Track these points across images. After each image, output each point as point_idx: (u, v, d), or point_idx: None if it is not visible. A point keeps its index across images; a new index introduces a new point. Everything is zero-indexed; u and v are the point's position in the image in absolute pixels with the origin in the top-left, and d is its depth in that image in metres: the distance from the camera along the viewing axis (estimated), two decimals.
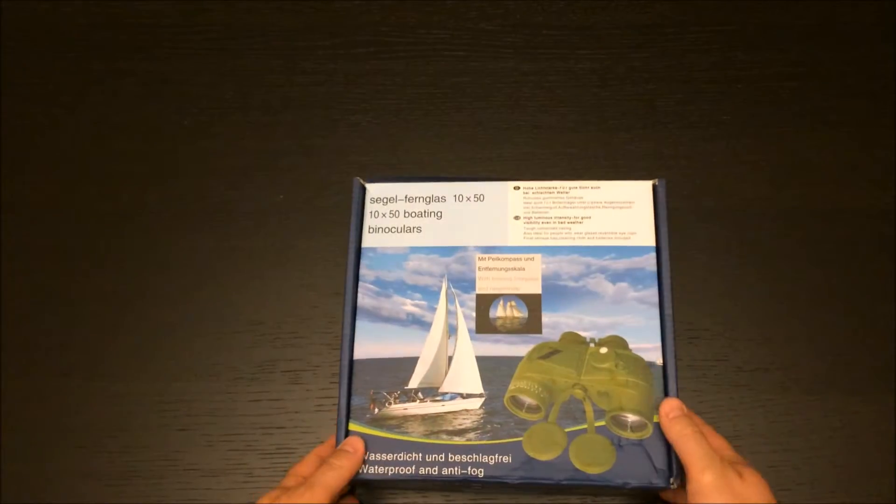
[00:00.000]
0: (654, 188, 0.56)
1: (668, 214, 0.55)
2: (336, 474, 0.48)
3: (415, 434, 0.51)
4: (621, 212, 0.56)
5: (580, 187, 0.56)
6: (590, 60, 0.70)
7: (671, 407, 0.49)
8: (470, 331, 0.53)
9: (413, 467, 0.50)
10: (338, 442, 0.51)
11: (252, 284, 0.64)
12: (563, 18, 0.72)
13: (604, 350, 0.52)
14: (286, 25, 0.72)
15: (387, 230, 0.56)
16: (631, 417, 0.51)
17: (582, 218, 0.56)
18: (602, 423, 0.51)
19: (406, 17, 0.72)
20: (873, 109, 0.68)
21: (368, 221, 0.56)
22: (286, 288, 0.63)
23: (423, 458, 0.50)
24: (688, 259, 0.63)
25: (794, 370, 0.60)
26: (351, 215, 0.56)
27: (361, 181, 0.57)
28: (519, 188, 0.57)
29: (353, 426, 0.52)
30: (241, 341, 0.62)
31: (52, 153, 0.68)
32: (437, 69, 0.70)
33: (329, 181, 0.66)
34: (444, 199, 0.57)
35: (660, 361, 0.52)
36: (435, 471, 0.50)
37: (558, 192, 0.56)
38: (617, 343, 0.52)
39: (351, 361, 0.53)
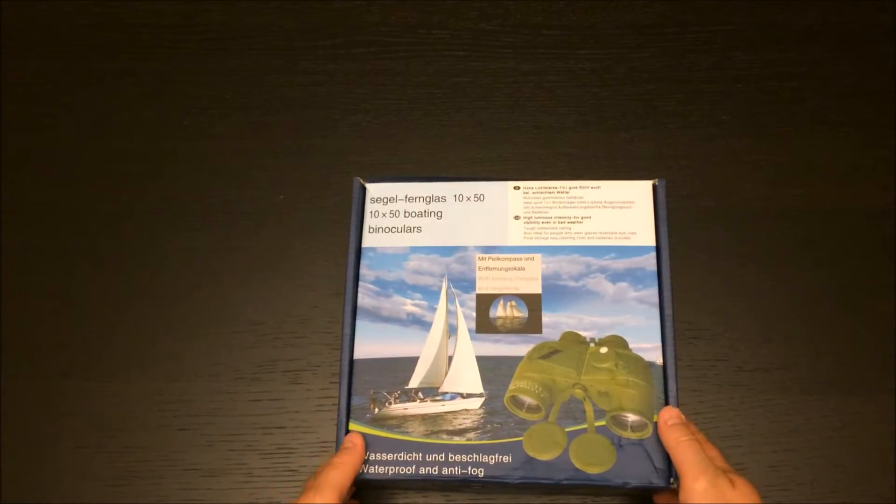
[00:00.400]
0: (654, 188, 0.56)
1: (667, 214, 0.55)
2: (340, 472, 0.48)
3: (415, 434, 0.51)
4: (621, 212, 0.56)
5: (580, 187, 0.56)
6: (590, 60, 0.70)
7: (670, 415, 0.50)
8: (470, 331, 0.53)
9: (413, 467, 0.50)
10: (338, 441, 0.51)
11: (252, 284, 0.64)
12: (563, 18, 0.72)
13: (604, 350, 0.52)
14: (286, 25, 0.72)
15: (387, 230, 0.56)
16: (631, 417, 0.51)
17: (582, 218, 0.56)
18: (602, 422, 0.51)
19: (406, 17, 0.72)
20: (873, 109, 0.68)
21: (368, 221, 0.56)
22: (286, 288, 0.63)
23: (424, 457, 0.50)
24: (688, 259, 0.63)
25: (794, 370, 0.60)
26: (351, 215, 0.56)
27: (361, 181, 0.57)
28: (519, 188, 0.57)
29: (353, 426, 0.51)
30: (241, 341, 0.62)
31: (52, 153, 0.68)
32: (437, 69, 0.70)
33: (329, 181, 0.66)
34: (444, 199, 0.57)
35: (660, 361, 0.52)
36: (435, 470, 0.50)
37: (558, 192, 0.56)
38: (617, 343, 0.52)
39: (351, 361, 0.53)
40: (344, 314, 0.54)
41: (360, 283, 0.55)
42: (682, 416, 0.50)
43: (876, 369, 0.60)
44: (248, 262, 0.64)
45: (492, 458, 0.50)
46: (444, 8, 0.72)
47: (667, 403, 0.51)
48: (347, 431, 0.51)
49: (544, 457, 0.50)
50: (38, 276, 0.64)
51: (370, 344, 0.53)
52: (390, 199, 0.57)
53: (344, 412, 0.52)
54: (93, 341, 0.62)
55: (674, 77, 0.70)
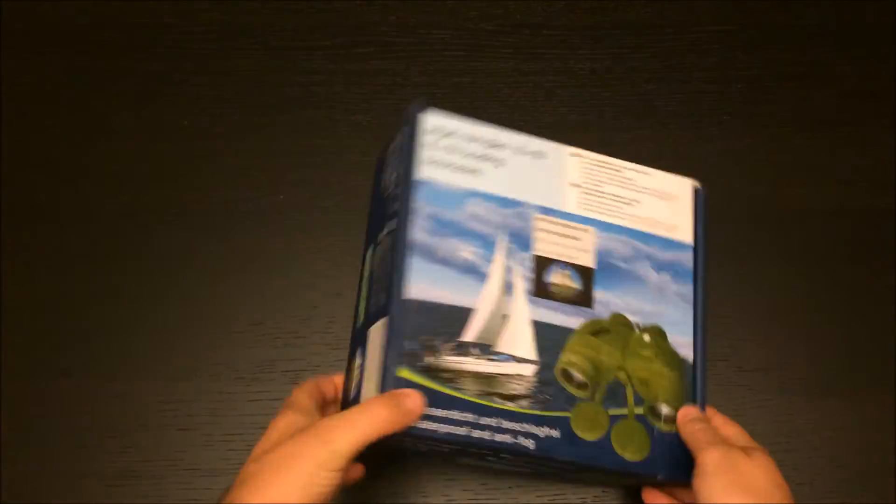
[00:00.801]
0: (696, 192, 0.56)
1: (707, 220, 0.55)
2: (367, 430, 0.41)
3: (468, 392, 0.46)
4: (667, 203, 0.55)
5: (633, 169, 0.55)
6: (590, 60, 0.70)
7: (688, 412, 0.50)
8: (527, 292, 0.49)
9: (467, 428, 0.45)
10: (383, 388, 0.44)
11: (252, 284, 0.64)
12: (563, 18, 0.72)
13: (647, 338, 0.51)
14: (286, 25, 0.72)
15: (443, 165, 0.50)
16: (665, 409, 0.50)
17: (633, 200, 0.54)
18: (641, 410, 0.50)
19: (406, 17, 0.72)
20: (873, 109, 0.68)
21: (424, 152, 0.50)
22: (286, 288, 0.63)
23: (477, 419, 0.46)
24: None
25: (794, 370, 0.60)
26: (405, 142, 0.50)
27: (420, 107, 0.51)
28: (577, 156, 0.54)
29: (403, 373, 0.45)
30: (241, 341, 0.62)
31: (52, 153, 0.68)
32: (437, 69, 0.70)
33: (329, 181, 0.66)
34: (504, 146, 0.52)
35: (690, 358, 0.52)
36: (487, 436, 0.46)
37: (612, 169, 0.54)
38: (658, 333, 0.52)
39: (403, 300, 0.46)
40: (396, 248, 0.47)
41: (414, 218, 0.48)
42: (700, 413, 0.50)
43: (876, 369, 0.60)
44: (248, 262, 0.64)
45: (542, 431, 0.47)
46: (444, 8, 0.72)
47: (694, 401, 0.51)
48: (396, 379, 0.44)
49: (589, 437, 0.48)
50: (38, 276, 0.64)
51: (423, 285, 0.47)
52: (449, 134, 0.51)
53: (394, 354, 0.45)
54: (93, 341, 0.62)
55: (674, 77, 0.70)
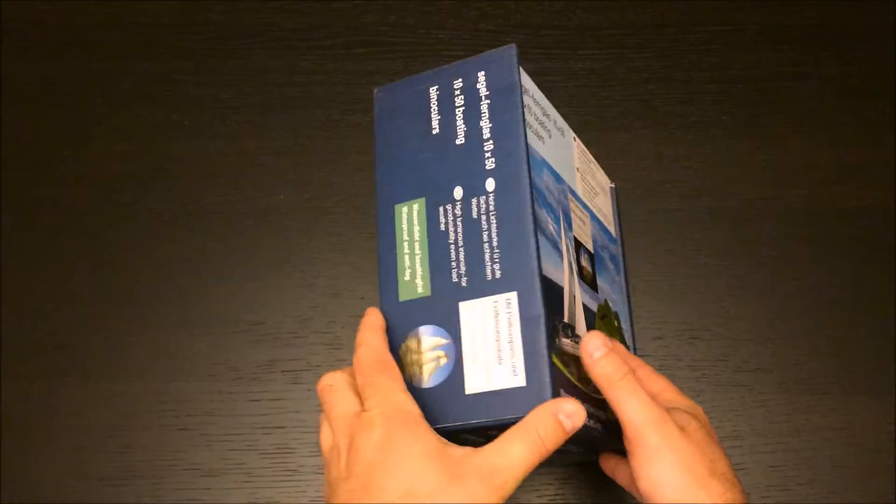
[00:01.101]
0: (612, 190, 0.59)
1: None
2: (532, 454, 0.35)
3: (575, 376, 0.42)
4: (605, 198, 0.58)
5: (593, 161, 0.57)
6: (590, 60, 0.70)
7: (595, 344, 0.40)
8: (577, 273, 0.46)
9: None
10: (541, 381, 0.38)
11: (252, 284, 0.64)
12: (563, 18, 0.72)
13: (616, 324, 0.53)
14: (286, 25, 0.72)
15: (528, 126, 0.44)
16: None
17: (596, 192, 0.56)
18: None
19: (406, 17, 0.72)
20: (873, 109, 0.68)
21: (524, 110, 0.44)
22: (286, 288, 0.63)
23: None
24: (688, 259, 0.63)
25: (794, 370, 0.60)
26: (503, 95, 0.43)
27: (517, 54, 0.44)
28: (576, 140, 0.52)
29: (554, 359, 0.39)
30: (241, 341, 0.62)
31: (52, 153, 0.68)
32: None
33: (329, 181, 0.66)
34: (550, 117, 0.48)
35: (630, 345, 0.56)
36: (587, 420, 0.41)
37: (588, 158, 0.55)
38: (619, 319, 0.54)
39: (543, 276, 0.40)
40: (517, 216, 0.40)
41: (531, 188, 0.41)
42: (608, 341, 0.41)
43: (876, 369, 0.60)
44: (248, 262, 0.64)
45: (601, 414, 0.44)
46: (444, 8, 0.72)
47: None
48: (551, 363, 0.38)
49: (611, 417, 0.46)
50: (38, 276, 0.64)
51: (545, 261, 0.41)
52: (526, 91, 0.44)
53: (544, 336, 0.38)
54: (93, 341, 0.62)
55: (674, 77, 0.70)
